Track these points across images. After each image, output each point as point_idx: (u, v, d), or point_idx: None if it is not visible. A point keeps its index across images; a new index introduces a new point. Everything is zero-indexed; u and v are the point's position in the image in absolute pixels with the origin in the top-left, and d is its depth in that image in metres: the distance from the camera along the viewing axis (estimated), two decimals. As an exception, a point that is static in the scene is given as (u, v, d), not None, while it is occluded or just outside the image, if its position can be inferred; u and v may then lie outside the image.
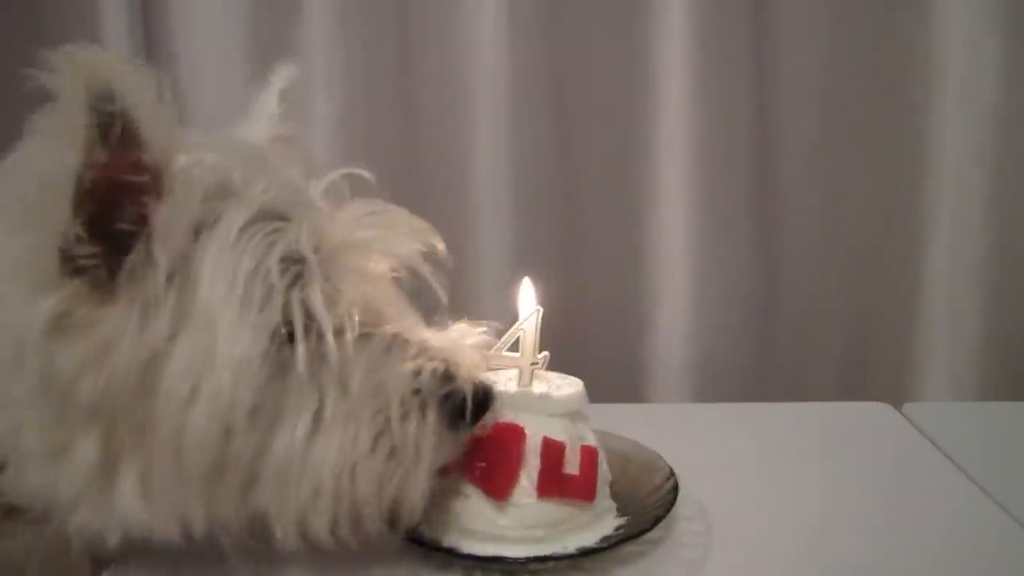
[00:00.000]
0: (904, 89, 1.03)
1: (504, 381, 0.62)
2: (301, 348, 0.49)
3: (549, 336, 0.62)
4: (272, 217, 0.50)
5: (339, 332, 0.50)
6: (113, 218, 0.47)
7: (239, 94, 1.04)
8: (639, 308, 1.07)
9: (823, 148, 1.06)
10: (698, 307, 1.05)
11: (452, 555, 0.57)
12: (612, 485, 0.63)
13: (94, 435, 0.47)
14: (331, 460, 0.50)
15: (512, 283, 0.65)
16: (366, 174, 0.58)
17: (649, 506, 0.62)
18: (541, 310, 0.62)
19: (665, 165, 1.04)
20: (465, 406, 0.53)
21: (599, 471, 0.61)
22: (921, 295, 1.06)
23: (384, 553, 0.57)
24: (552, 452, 0.58)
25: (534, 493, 0.57)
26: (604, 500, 0.61)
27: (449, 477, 0.57)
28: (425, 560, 0.58)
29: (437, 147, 1.06)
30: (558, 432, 0.59)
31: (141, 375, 0.47)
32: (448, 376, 0.53)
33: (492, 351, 0.62)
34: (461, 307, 1.04)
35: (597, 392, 0.64)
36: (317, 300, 0.49)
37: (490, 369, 0.63)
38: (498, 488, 0.57)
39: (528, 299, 0.63)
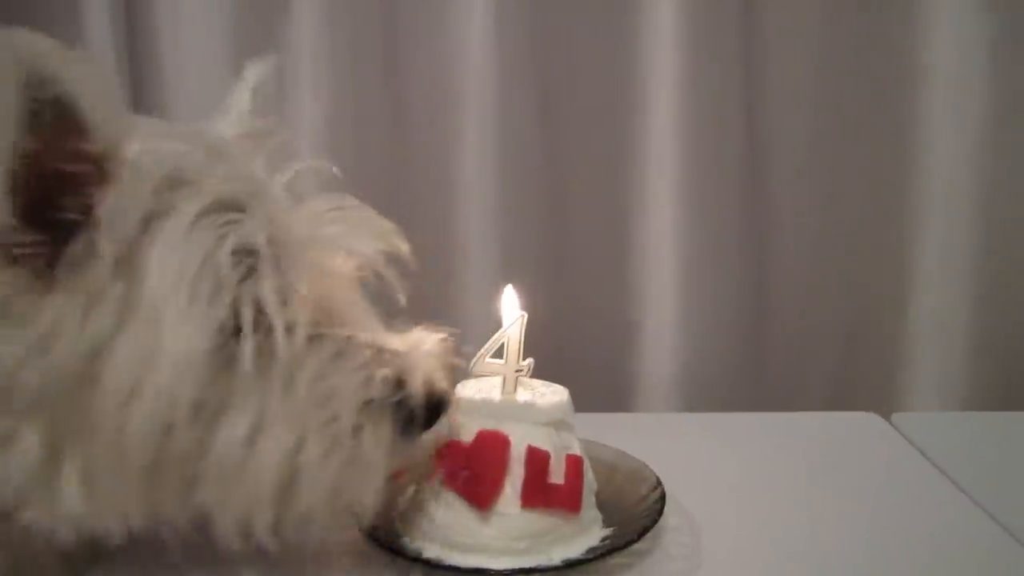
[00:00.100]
0: (893, 93, 1.03)
1: (488, 389, 0.61)
2: (248, 345, 0.47)
3: (534, 343, 0.61)
4: (227, 208, 0.49)
5: (290, 331, 0.49)
6: (53, 207, 0.46)
7: (224, 95, 1.04)
8: (626, 316, 1.06)
9: (812, 157, 1.05)
10: (686, 315, 1.04)
11: (434, 567, 0.56)
12: (598, 495, 0.62)
13: (37, 427, 0.46)
14: (274, 462, 0.48)
15: (498, 289, 0.64)
16: (333, 169, 0.57)
17: (636, 516, 0.61)
18: (525, 316, 0.61)
19: (653, 173, 1.03)
20: (416, 414, 0.52)
21: (584, 481, 0.60)
22: (909, 305, 1.06)
23: (363, 564, 0.56)
24: (537, 461, 0.57)
25: (518, 503, 0.57)
26: (590, 511, 0.60)
27: (399, 481, 0.56)
28: (406, 572, 0.57)
29: (423, 150, 1.05)
30: (542, 441, 0.58)
31: (84, 367, 0.46)
32: (400, 383, 0.51)
33: (476, 358, 0.61)
34: (446, 312, 1.05)
35: (582, 401, 0.64)
36: (268, 296, 0.48)
37: (473, 375, 0.62)
38: (481, 498, 0.56)
39: (511, 306, 0.62)
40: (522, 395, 0.61)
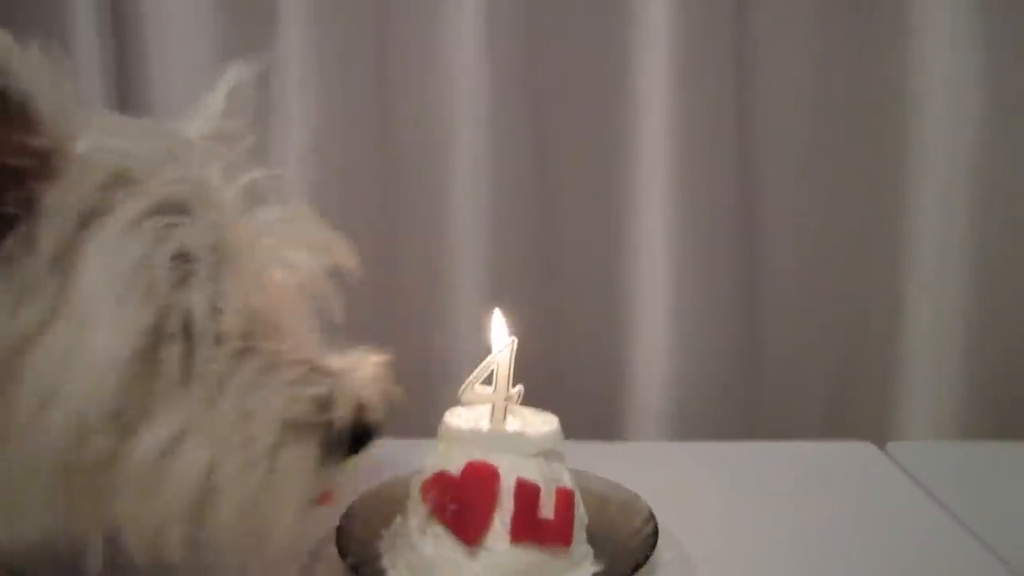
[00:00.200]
0: (886, 125, 1.02)
1: (476, 417, 0.60)
2: (172, 353, 0.46)
3: (522, 368, 0.60)
4: (171, 211, 0.47)
5: (218, 342, 0.47)
6: None
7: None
8: (617, 341, 1.04)
9: (805, 189, 1.04)
10: (677, 341, 1.02)
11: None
12: (589, 528, 0.61)
13: None
14: (189, 477, 0.46)
15: (487, 311, 0.63)
16: (286, 176, 0.55)
17: (628, 551, 0.60)
18: (515, 341, 0.59)
19: (645, 197, 1.02)
20: (342, 438, 0.50)
21: (576, 514, 0.58)
22: (903, 332, 1.04)
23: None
24: (526, 495, 0.56)
25: (507, 538, 0.55)
26: (581, 545, 0.59)
27: (325, 505, 0.53)
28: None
29: (413, 172, 1.03)
30: (532, 473, 0.57)
31: (8, 361, 0.44)
32: (328, 404, 0.49)
33: (465, 385, 0.60)
34: (434, 333, 1.04)
35: (572, 428, 0.62)
36: (198, 304, 0.46)
37: (462, 403, 0.60)
38: (469, 532, 0.55)
39: (500, 331, 0.61)
40: (511, 424, 0.59)
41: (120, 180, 0.47)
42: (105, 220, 0.46)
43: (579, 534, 0.59)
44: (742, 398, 1.05)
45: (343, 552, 0.59)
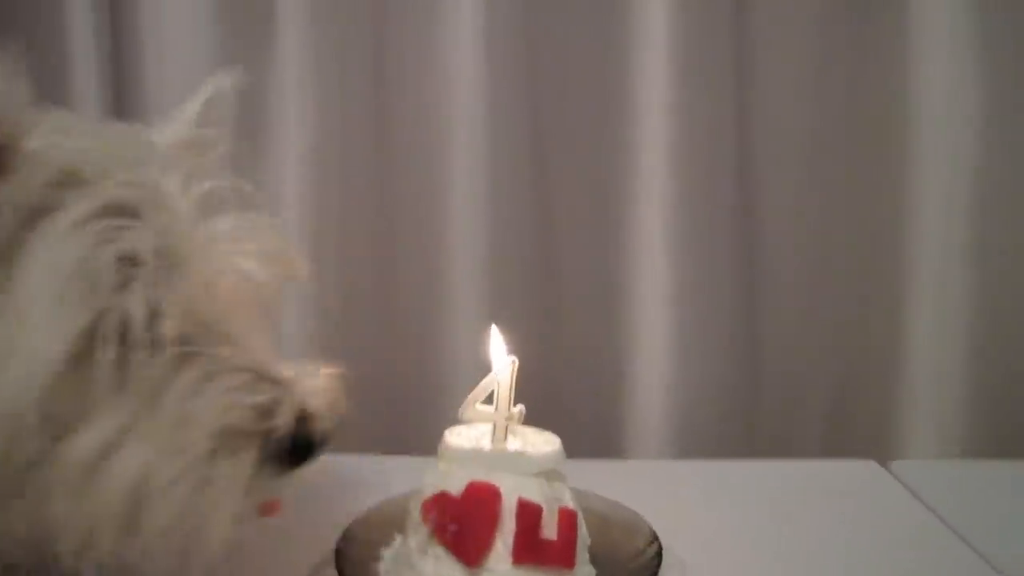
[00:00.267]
0: (886, 146, 1.02)
1: (477, 437, 0.59)
2: (106, 356, 0.45)
3: (521, 387, 0.59)
4: (120, 213, 0.47)
5: (157, 346, 0.46)
6: None
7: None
8: (617, 360, 1.03)
9: (806, 205, 1.04)
10: (678, 359, 1.02)
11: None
12: (591, 548, 0.60)
13: None
14: (122, 482, 0.45)
15: (486, 323, 0.62)
16: (248, 187, 0.55)
17: (632, 572, 0.59)
18: (516, 361, 0.59)
19: (645, 216, 1.02)
20: (282, 448, 0.49)
21: (578, 535, 0.57)
22: (904, 350, 1.04)
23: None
24: (528, 515, 0.55)
25: (509, 559, 0.54)
26: (583, 567, 0.58)
27: (271, 516, 0.53)
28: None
29: (411, 173, 1.03)
30: (534, 493, 0.56)
31: None
32: (268, 413, 0.48)
33: (465, 404, 0.59)
34: (433, 352, 1.03)
35: (572, 446, 0.61)
36: (137, 308, 0.46)
37: (462, 422, 0.60)
38: (471, 553, 0.54)
39: (498, 349, 0.60)
40: (513, 444, 0.58)
41: (70, 179, 0.46)
42: (52, 219, 0.45)
43: (582, 555, 0.58)
44: (741, 415, 1.05)
45: (342, 574, 0.58)
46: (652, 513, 0.65)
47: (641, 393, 1.02)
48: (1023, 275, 1.01)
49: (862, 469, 0.85)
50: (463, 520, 0.55)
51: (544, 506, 0.55)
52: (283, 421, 0.48)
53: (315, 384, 0.52)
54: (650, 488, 0.69)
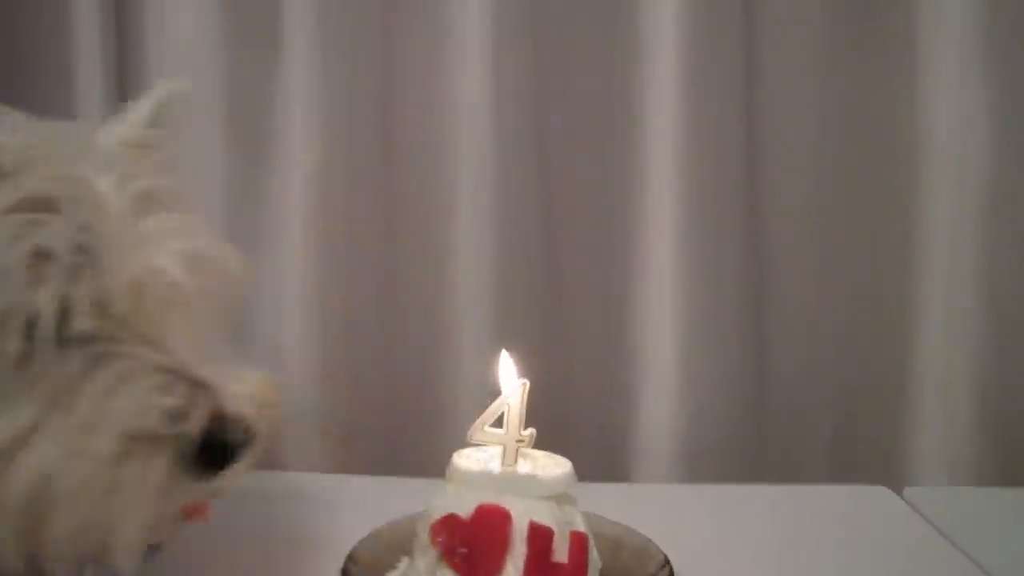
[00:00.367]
0: (894, 164, 1.02)
1: (487, 459, 0.58)
2: (13, 352, 0.44)
3: (530, 411, 0.58)
4: (38, 208, 0.46)
5: (66, 344, 0.45)
6: None
7: (216, 149, 1.03)
8: (625, 383, 1.02)
9: (814, 225, 1.03)
10: (686, 383, 1.00)
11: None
12: (602, 573, 0.59)
13: None
14: (25, 484, 0.44)
15: (492, 353, 0.62)
16: (181, 187, 0.54)
17: (643, 598, 0.58)
18: (527, 383, 0.58)
19: (653, 239, 1.01)
20: (193, 452, 0.47)
21: (589, 559, 0.56)
22: (913, 376, 1.03)
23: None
24: (540, 538, 0.54)
25: (520, 583, 0.53)
26: (594, 591, 0.57)
27: (197, 521, 0.52)
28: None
29: (417, 205, 1.03)
30: (545, 516, 0.55)
31: None
32: (181, 416, 0.47)
33: (474, 426, 0.58)
34: (438, 375, 1.02)
35: (578, 470, 0.60)
36: (47, 305, 0.44)
37: (471, 444, 0.59)
38: (480, 577, 0.53)
39: (509, 373, 0.59)
40: (523, 467, 0.57)
41: None
42: None
43: (593, 579, 0.57)
44: (749, 439, 1.03)
45: (348, 596, 0.57)
46: (661, 537, 0.63)
47: (648, 417, 1.01)
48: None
49: (874, 495, 0.84)
50: (473, 543, 0.54)
51: (555, 529, 0.54)
52: (193, 425, 0.47)
53: (241, 389, 0.50)
54: (658, 512, 0.68)
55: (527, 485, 0.56)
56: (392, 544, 0.62)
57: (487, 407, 0.58)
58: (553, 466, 0.58)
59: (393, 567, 0.61)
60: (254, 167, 1.03)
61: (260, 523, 0.77)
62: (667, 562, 0.61)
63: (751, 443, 1.03)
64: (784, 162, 1.03)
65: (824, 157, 1.03)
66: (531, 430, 0.58)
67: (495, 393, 0.59)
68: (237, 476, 0.49)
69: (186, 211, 0.53)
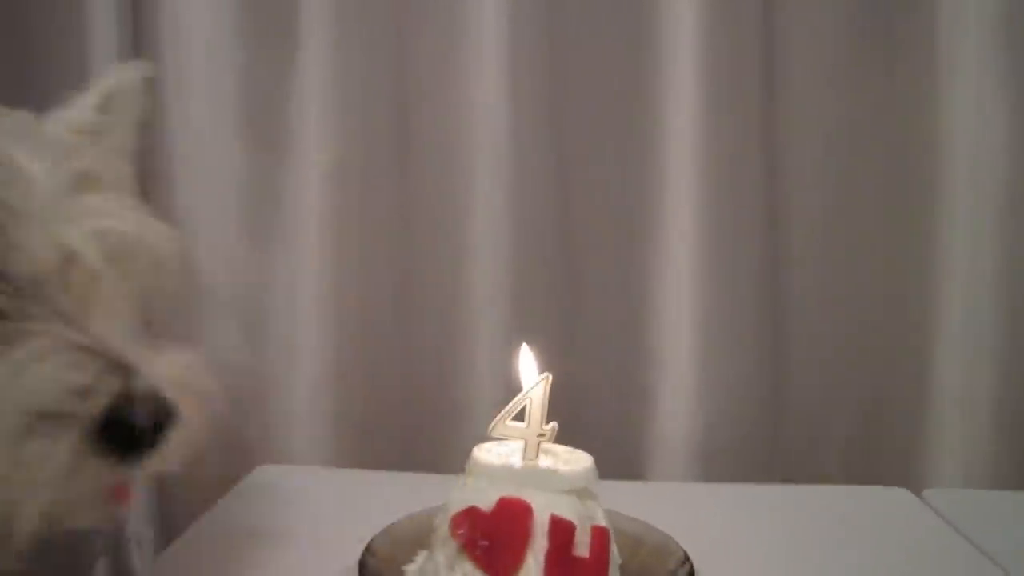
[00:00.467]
0: (913, 166, 1.02)
1: (508, 453, 0.58)
2: None
3: (548, 408, 0.58)
4: None
5: None
6: None
7: (233, 148, 1.03)
8: (642, 384, 1.02)
9: (832, 226, 1.03)
10: (703, 384, 1.00)
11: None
12: (620, 568, 0.58)
13: None
14: None
15: (509, 350, 0.62)
16: (126, 172, 0.54)
17: (663, 594, 0.57)
18: (550, 377, 0.58)
19: (671, 237, 1.01)
20: (96, 431, 0.45)
21: (610, 554, 0.56)
22: (932, 378, 1.02)
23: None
24: (561, 532, 0.53)
25: (540, 576, 0.53)
26: (615, 586, 0.56)
27: (120, 504, 0.50)
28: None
29: (433, 205, 1.03)
30: (566, 510, 0.55)
31: None
32: (92, 394, 0.45)
33: (496, 420, 0.58)
34: (454, 371, 1.02)
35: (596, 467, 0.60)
36: None
37: (492, 438, 0.58)
38: (502, 570, 0.53)
39: (529, 367, 0.59)
40: (544, 461, 0.57)
41: None
42: None
43: (613, 574, 0.56)
44: (766, 439, 1.03)
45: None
46: (679, 535, 0.63)
47: (665, 415, 1.01)
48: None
49: (894, 496, 0.84)
50: (494, 536, 0.53)
51: (577, 523, 0.54)
52: (96, 403, 0.45)
53: (164, 371, 0.48)
54: (675, 510, 0.68)
55: (549, 479, 0.56)
56: (410, 537, 0.62)
57: (503, 406, 0.58)
58: (574, 461, 0.58)
59: (410, 560, 0.61)
60: (270, 166, 1.03)
61: (278, 516, 0.77)
62: (687, 559, 0.60)
63: (768, 444, 1.03)
64: (802, 163, 1.03)
65: (842, 158, 1.03)
66: (553, 424, 0.58)
67: (511, 392, 0.59)
68: (158, 461, 0.47)
69: (126, 194, 0.52)
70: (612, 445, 1.01)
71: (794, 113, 1.02)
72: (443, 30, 1.01)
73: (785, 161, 1.03)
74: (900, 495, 0.83)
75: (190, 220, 1.03)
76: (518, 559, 0.53)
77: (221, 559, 0.69)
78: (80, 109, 0.56)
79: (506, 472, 0.56)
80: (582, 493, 0.57)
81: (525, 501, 0.54)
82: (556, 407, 0.59)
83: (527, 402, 0.58)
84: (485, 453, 0.59)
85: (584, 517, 0.55)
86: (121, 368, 0.46)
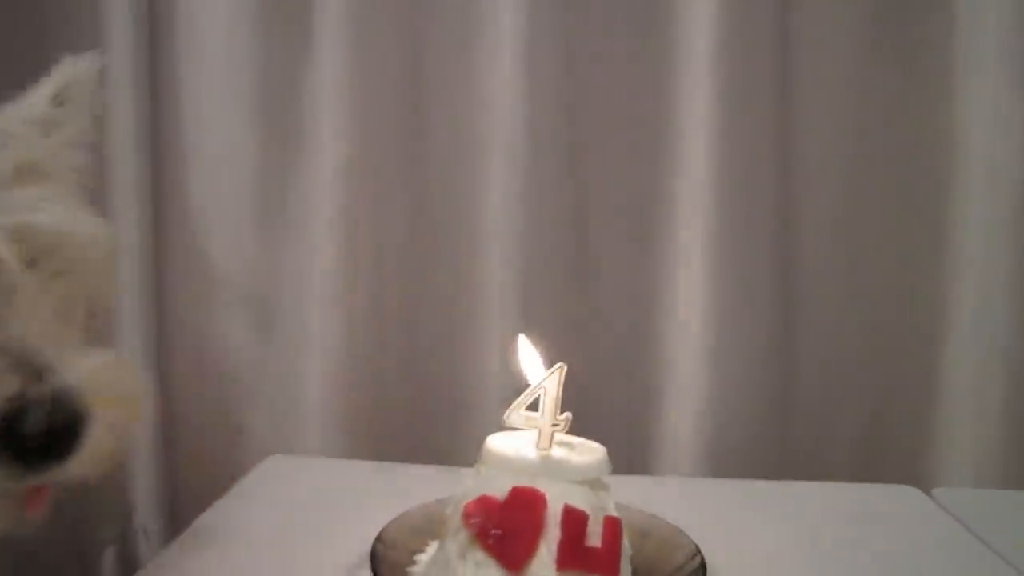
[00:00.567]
0: (927, 166, 1.02)
1: (521, 443, 0.58)
2: None
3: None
4: None
5: None
6: None
7: (247, 143, 1.04)
8: (651, 382, 1.03)
9: (845, 225, 1.04)
10: (713, 382, 1.01)
11: (460, 634, 0.52)
12: (631, 561, 0.58)
13: None
14: None
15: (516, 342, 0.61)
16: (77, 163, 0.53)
17: (675, 585, 0.57)
18: (564, 367, 0.58)
19: (682, 240, 1.01)
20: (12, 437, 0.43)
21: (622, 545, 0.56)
22: (942, 377, 1.03)
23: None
24: (574, 522, 0.53)
25: (553, 566, 0.53)
26: (627, 577, 0.56)
27: (34, 510, 0.47)
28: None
29: (445, 201, 1.03)
30: (579, 500, 0.55)
31: None
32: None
33: (510, 409, 0.58)
34: (463, 364, 1.02)
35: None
36: None
37: (506, 427, 0.59)
38: (514, 559, 0.53)
39: (529, 357, 0.59)
40: (557, 451, 0.57)
41: None
42: None
43: (625, 566, 0.56)
44: (774, 436, 1.03)
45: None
46: (689, 530, 0.63)
47: (674, 411, 1.01)
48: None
49: (904, 495, 0.84)
50: (507, 525, 0.53)
51: (590, 513, 0.54)
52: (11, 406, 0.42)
53: (82, 373, 0.46)
54: (686, 505, 0.68)
55: (562, 469, 0.56)
56: (421, 527, 0.62)
57: (511, 401, 0.58)
58: (588, 451, 0.58)
59: (422, 550, 0.61)
60: (284, 162, 1.04)
61: (287, 507, 0.77)
62: (698, 551, 0.60)
63: (777, 444, 1.03)
64: (815, 163, 1.03)
65: (856, 158, 1.03)
66: (567, 414, 0.58)
67: (520, 388, 0.59)
68: (72, 466, 0.45)
69: (71, 187, 0.51)
70: (621, 444, 1.00)
71: (808, 113, 1.02)
72: (458, 27, 1.02)
73: (799, 160, 1.03)
74: (910, 493, 0.83)
75: (204, 215, 1.03)
76: (531, 548, 0.53)
77: (230, 549, 0.69)
78: (34, 101, 0.55)
79: (519, 462, 0.56)
80: (595, 484, 0.57)
81: (539, 491, 0.54)
82: (565, 404, 0.59)
83: (541, 392, 0.58)
84: (498, 443, 0.59)
85: (597, 507, 0.55)
86: (27, 369, 0.44)
